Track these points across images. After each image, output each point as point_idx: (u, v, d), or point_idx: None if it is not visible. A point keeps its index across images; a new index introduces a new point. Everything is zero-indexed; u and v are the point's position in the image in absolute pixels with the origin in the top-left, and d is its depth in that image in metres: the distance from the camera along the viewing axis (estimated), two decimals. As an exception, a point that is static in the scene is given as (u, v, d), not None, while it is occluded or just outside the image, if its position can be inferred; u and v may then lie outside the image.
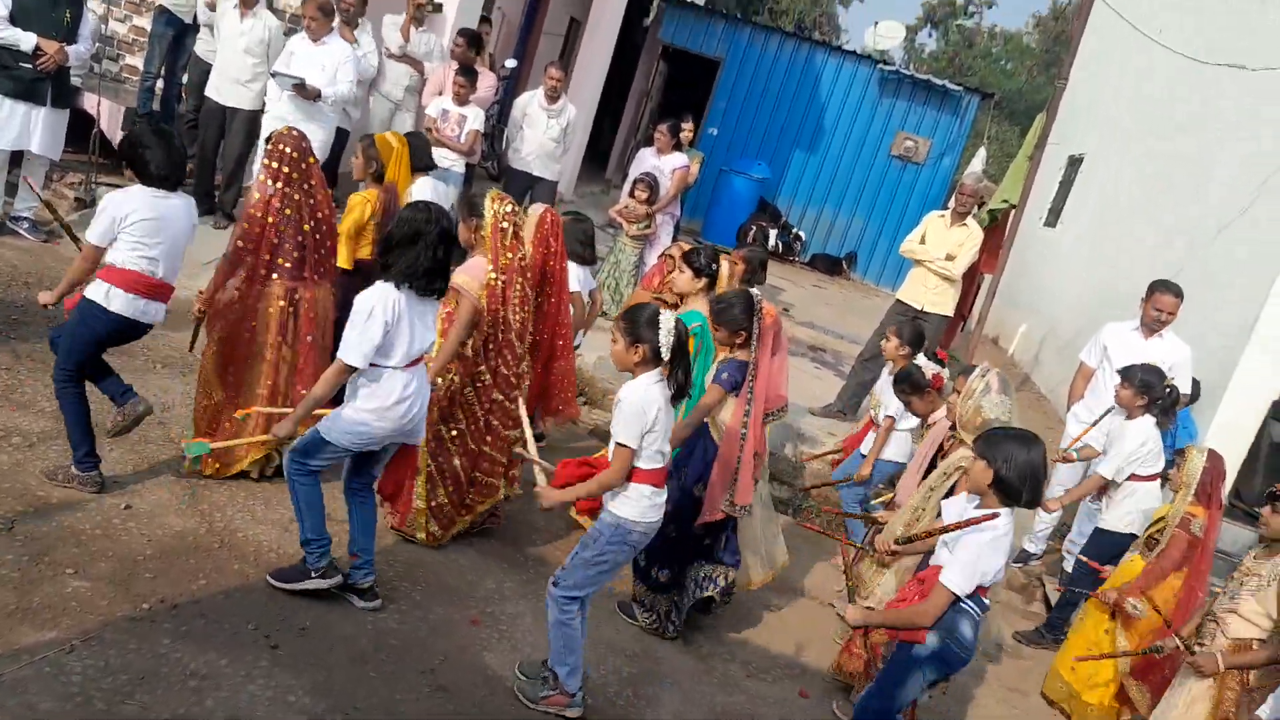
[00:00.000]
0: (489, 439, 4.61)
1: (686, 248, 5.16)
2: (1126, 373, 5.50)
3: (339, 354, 3.68)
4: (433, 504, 4.59)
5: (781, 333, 4.67)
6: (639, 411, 3.47)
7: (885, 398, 5.70)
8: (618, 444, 3.52)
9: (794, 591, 5.46)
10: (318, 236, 4.61)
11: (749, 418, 4.35)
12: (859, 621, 3.83)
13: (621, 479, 3.55)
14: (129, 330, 4.23)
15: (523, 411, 4.34)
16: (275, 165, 4.48)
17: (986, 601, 3.57)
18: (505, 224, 4.47)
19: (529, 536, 5.08)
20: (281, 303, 4.52)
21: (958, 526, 3.52)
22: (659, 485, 3.64)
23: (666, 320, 3.51)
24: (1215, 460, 4.78)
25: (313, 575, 3.92)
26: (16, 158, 6.70)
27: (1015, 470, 3.37)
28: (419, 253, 3.68)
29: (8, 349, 5.24)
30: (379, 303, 3.64)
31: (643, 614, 4.59)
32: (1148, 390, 5.37)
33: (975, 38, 33.44)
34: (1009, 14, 77.21)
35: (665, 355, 3.49)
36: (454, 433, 4.55)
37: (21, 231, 6.79)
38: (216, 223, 7.44)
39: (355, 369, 3.67)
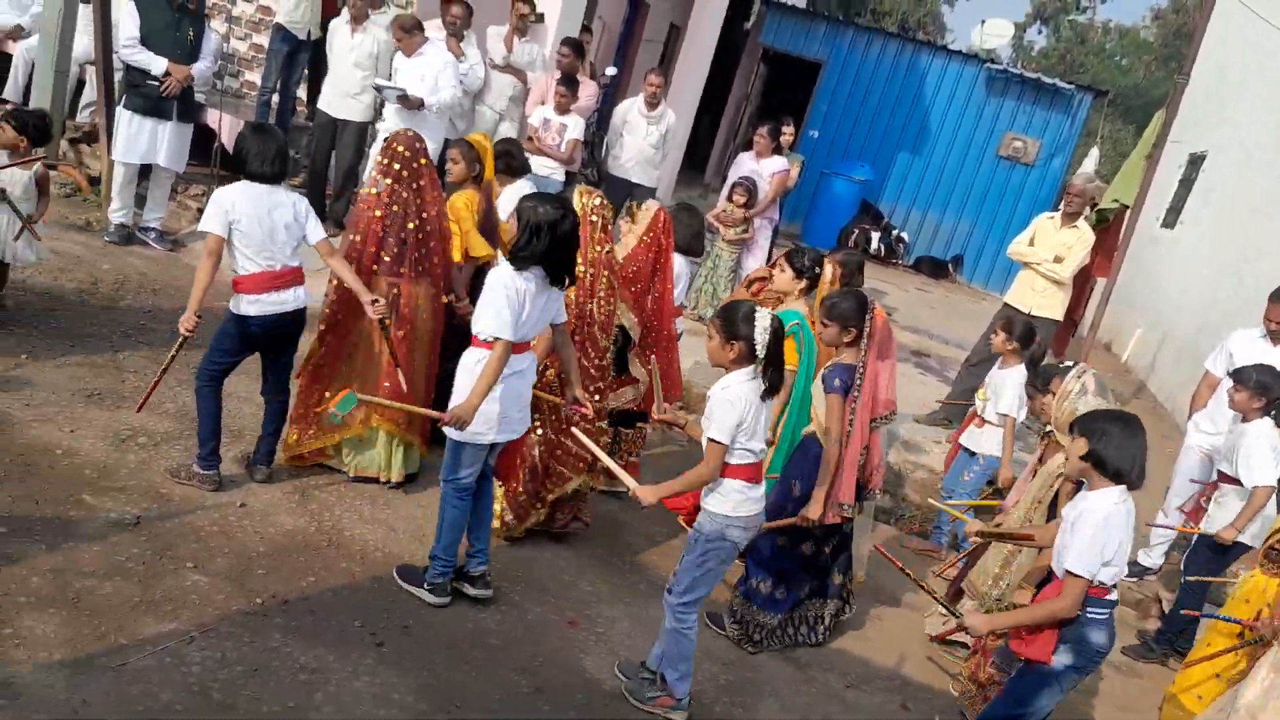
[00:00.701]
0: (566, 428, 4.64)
1: (788, 250, 5.14)
2: (1240, 374, 5.22)
3: (489, 331, 3.67)
4: (507, 493, 4.64)
5: (892, 337, 4.57)
6: (730, 407, 3.47)
7: (997, 393, 5.54)
8: (709, 439, 3.52)
9: (895, 601, 5.35)
10: (420, 236, 4.71)
11: (855, 419, 4.28)
12: (983, 628, 3.68)
13: (714, 474, 3.55)
14: (274, 326, 4.35)
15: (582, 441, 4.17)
16: (387, 162, 4.64)
17: (1113, 597, 3.44)
18: (595, 217, 4.51)
19: (625, 540, 5.11)
20: (382, 298, 4.64)
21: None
22: (753, 480, 3.64)
23: (763, 317, 3.49)
24: None
25: (425, 588, 4.03)
26: (145, 170, 7.07)
27: (1112, 445, 3.28)
28: (552, 243, 3.71)
29: (137, 353, 5.52)
30: (508, 281, 3.69)
31: (731, 625, 4.53)
32: (1264, 391, 5.09)
33: (1088, 33, 32.29)
34: (1125, 8, 74.40)
35: (760, 352, 3.47)
36: (534, 421, 4.56)
37: (150, 241, 7.16)
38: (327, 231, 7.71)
39: (510, 343, 3.68)
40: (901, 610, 5.30)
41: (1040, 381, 4.76)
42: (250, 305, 4.27)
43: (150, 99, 6.76)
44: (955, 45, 17.24)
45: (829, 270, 5.07)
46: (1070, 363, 4.83)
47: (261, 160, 4.23)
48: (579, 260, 4.43)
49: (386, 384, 4.64)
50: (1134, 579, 6.17)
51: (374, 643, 3.70)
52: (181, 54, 6.78)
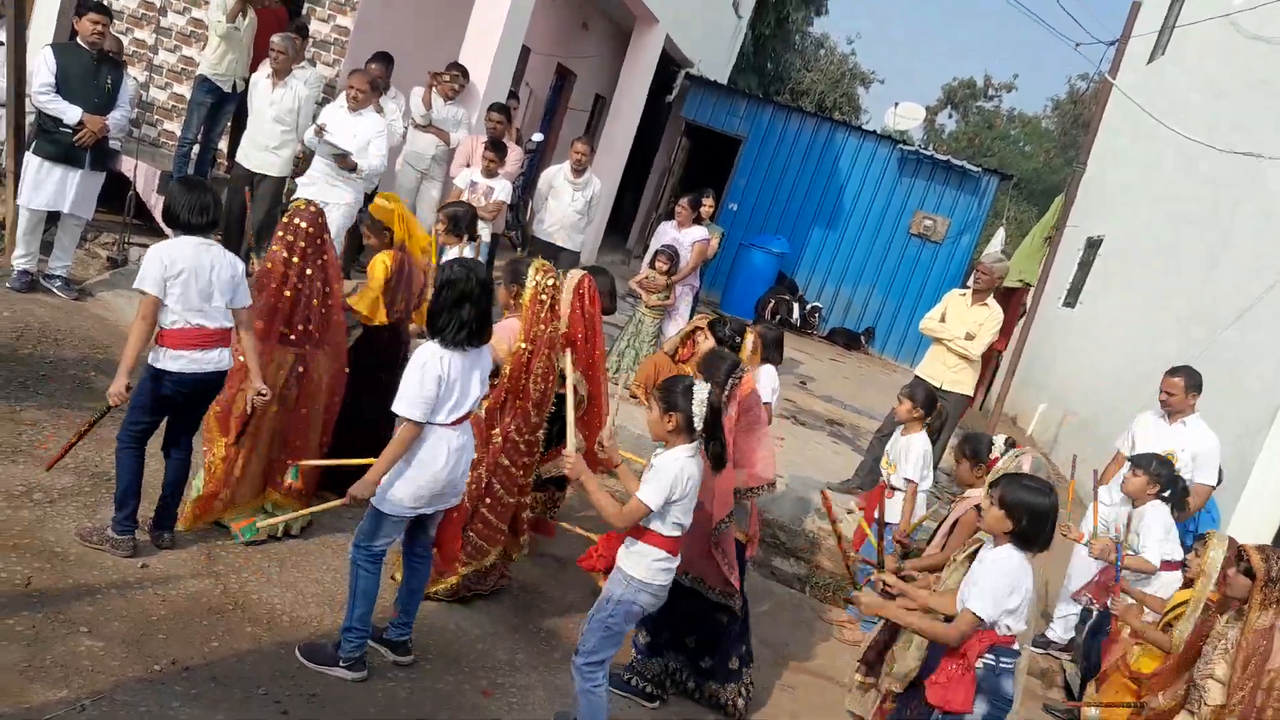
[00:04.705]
0: (488, 500, 4.60)
1: (712, 318, 5.22)
2: (1139, 460, 5.47)
3: (401, 411, 3.68)
4: None
5: (758, 407, 4.57)
6: (670, 481, 3.54)
7: (901, 461, 5.66)
8: (639, 497, 3.57)
9: (808, 672, 5.37)
10: (324, 310, 4.71)
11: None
12: (875, 608, 3.89)
13: (623, 521, 3.60)
14: (192, 385, 4.22)
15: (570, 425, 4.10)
16: (291, 239, 4.58)
17: (1017, 647, 3.56)
18: (544, 296, 4.54)
19: (542, 607, 5.04)
20: (284, 371, 4.60)
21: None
22: (672, 553, 3.68)
23: (700, 391, 3.56)
24: (1234, 548, 4.72)
25: (341, 664, 3.88)
26: (53, 217, 6.86)
27: (1028, 513, 3.45)
28: (466, 311, 3.71)
29: (34, 404, 5.31)
30: (432, 360, 3.68)
31: (629, 678, 4.52)
32: (1158, 479, 5.35)
33: (995, 120, 33.88)
34: (1028, 98, 78.32)
35: (698, 425, 3.56)
36: None
37: (54, 289, 6.92)
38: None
39: (419, 424, 3.69)
40: (817, 681, 5.31)
41: (968, 448, 4.89)
42: (172, 361, 4.11)
43: (62, 146, 6.59)
44: (870, 126, 17.90)
45: (750, 340, 5.17)
46: (1004, 436, 5.01)
47: (192, 210, 4.11)
48: (522, 336, 4.45)
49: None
50: (1039, 649, 6.31)
51: (279, 711, 3.56)
52: (98, 102, 6.65)
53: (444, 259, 5.61)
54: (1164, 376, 6.13)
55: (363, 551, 3.86)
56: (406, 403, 3.67)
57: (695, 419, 3.55)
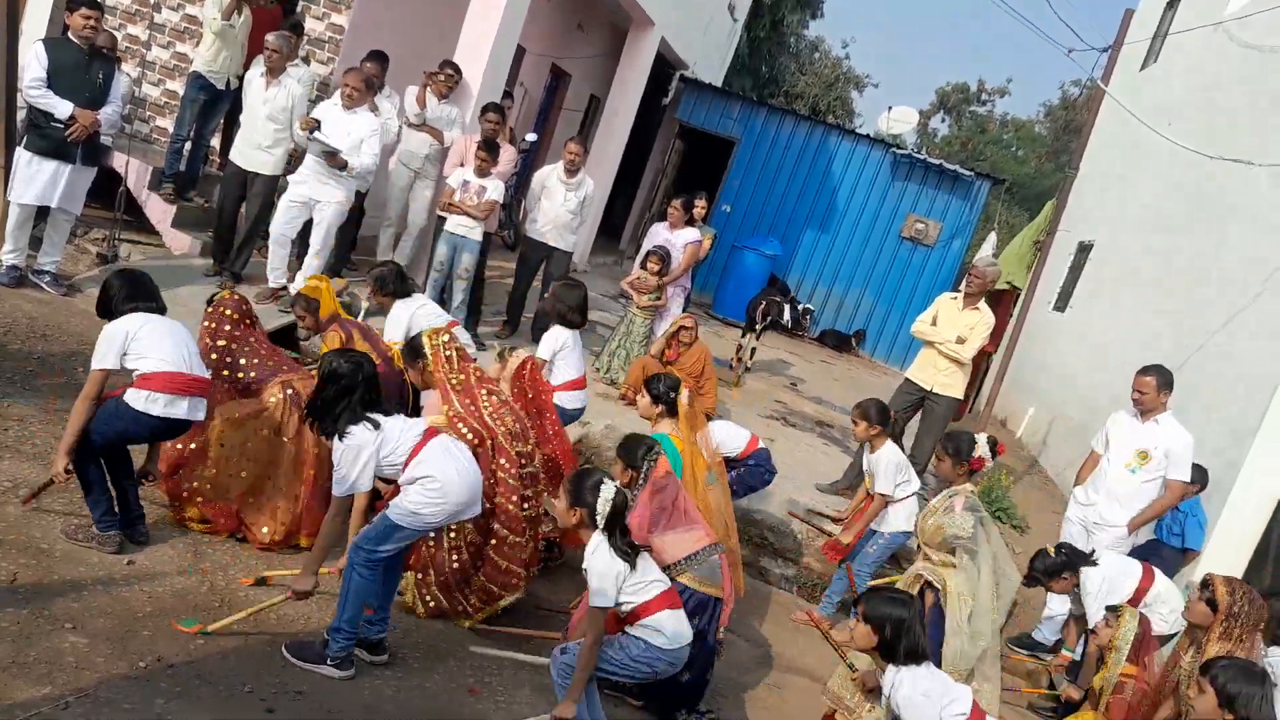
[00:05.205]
0: (493, 542, 4.61)
1: (649, 376, 5.21)
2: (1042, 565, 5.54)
3: (335, 491, 3.83)
4: (423, 592, 4.61)
5: (671, 486, 4.45)
6: (603, 575, 3.62)
7: (877, 479, 5.69)
8: (591, 607, 3.65)
9: (795, 671, 5.38)
10: (270, 363, 4.89)
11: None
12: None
13: (598, 631, 3.64)
14: (160, 432, 4.26)
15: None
16: (215, 326, 4.80)
17: None
18: (447, 352, 4.65)
19: (531, 609, 5.03)
20: (276, 398, 4.68)
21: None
22: (675, 606, 3.78)
23: (607, 489, 3.65)
24: (1145, 624, 4.67)
25: (329, 663, 3.89)
26: (42, 212, 6.84)
27: (894, 628, 3.36)
28: (350, 398, 3.83)
29: (21, 400, 5.28)
30: (358, 447, 3.79)
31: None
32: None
33: (987, 124, 33.97)
34: (1021, 103, 78.67)
35: (600, 522, 3.65)
36: (451, 533, 4.55)
37: (43, 285, 6.89)
38: (223, 284, 7.49)
39: (349, 500, 3.88)
40: (803, 682, 5.32)
41: (950, 446, 4.93)
42: (151, 404, 4.09)
43: (52, 141, 6.56)
44: (863, 129, 17.92)
45: (685, 394, 5.13)
46: (984, 435, 5.03)
47: (126, 292, 4.23)
48: (443, 402, 4.57)
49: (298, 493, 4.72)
50: (1025, 651, 6.33)
51: (264, 709, 3.55)
52: (89, 97, 6.62)
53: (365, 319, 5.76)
54: (1136, 375, 6.23)
55: (363, 554, 3.86)
56: (344, 485, 3.83)
57: (598, 516, 3.64)
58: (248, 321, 4.91)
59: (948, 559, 4.65)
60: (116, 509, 4.26)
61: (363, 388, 3.85)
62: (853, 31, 71.87)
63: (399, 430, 3.90)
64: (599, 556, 3.64)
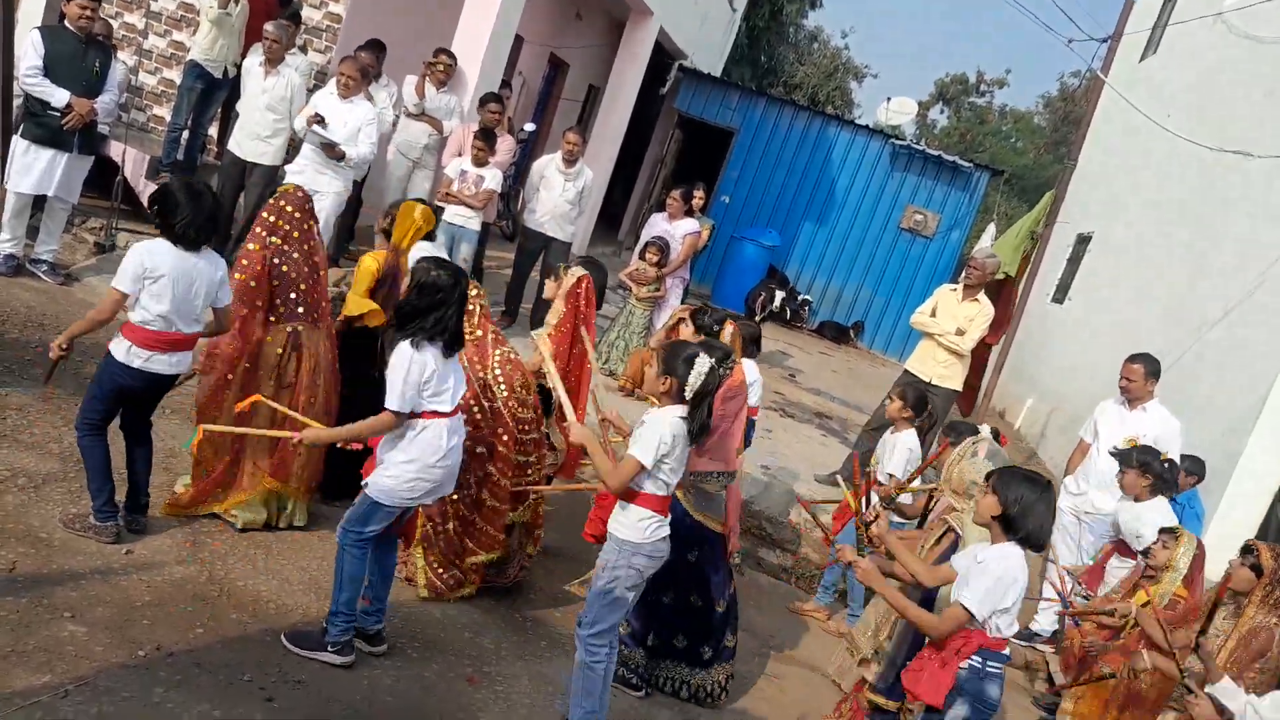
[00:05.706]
0: (486, 490, 4.61)
1: (694, 308, 5.27)
2: (1121, 456, 5.50)
3: (386, 403, 3.72)
4: (430, 558, 4.61)
5: (741, 398, 4.58)
6: (660, 434, 3.60)
7: (887, 456, 5.69)
8: (630, 454, 3.63)
9: (795, 662, 5.39)
10: (314, 295, 4.70)
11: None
12: (870, 579, 3.86)
13: (618, 482, 3.65)
14: (155, 384, 4.23)
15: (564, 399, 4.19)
16: (274, 220, 4.57)
17: (1008, 652, 3.54)
18: (472, 305, 4.55)
19: (528, 596, 5.04)
20: (280, 350, 4.58)
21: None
22: (662, 513, 3.75)
23: (702, 363, 3.63)
24: (1201, 549, 4.71)
25: (329, 649, 3.87)
26: (40, 201, 6.82)
27: (1024, 508, 3.43)
28: (445, 313, 3.77)
29: (20, 389, 5.28)
30: (414, 356, 3.72)
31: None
32: (1146, 469, 5.36)
33: (986, 116, 33.93)
34: (1020, 94, 78.46)
35: (688, 395, 3.64)
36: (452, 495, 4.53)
37: (40, 274, 6.88)
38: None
39: (401, 416, 3.73)
40: (802, 672, 5.34)
41: (951, 435, 4.98)
42: (137, 358, 4.07)
43: (49, 129, 6.54)
44: (862, 120, 17.88)
45: (728, 331, 5.19)
46: (987, 426, 5.03)
47: (188, 224, 4.02)
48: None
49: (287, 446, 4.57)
50: (1023, 643, 6.34)
51: (263, 698, 3.55)
52: (86, 86, 6.59)
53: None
54: (1124, 364, 6.27)
55: (351, 535, 3.84)
56: (394, 396, 3.70)
57: (687, 388, 3.64)
58: (309, 223, 4.69)
59: (970, 506, 4.64)
60: (116, 500, 4.25)
61: (456, 304, 3.81)
62: (851, 22, 71.75)
63: (452, 379, 3.86)
64: (668, 422, 3.62)
